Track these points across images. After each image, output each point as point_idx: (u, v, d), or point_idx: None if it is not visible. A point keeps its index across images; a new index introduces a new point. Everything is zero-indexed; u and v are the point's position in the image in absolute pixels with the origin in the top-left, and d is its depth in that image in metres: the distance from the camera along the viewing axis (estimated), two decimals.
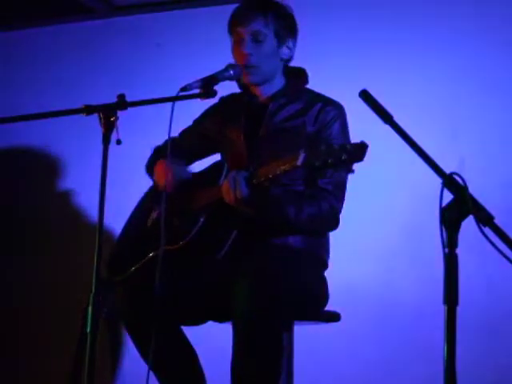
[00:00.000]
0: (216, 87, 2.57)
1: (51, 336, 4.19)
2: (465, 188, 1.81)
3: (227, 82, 2.69)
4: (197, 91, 2.53)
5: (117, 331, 4.07)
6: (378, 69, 3.78)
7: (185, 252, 2.62)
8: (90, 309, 2.12)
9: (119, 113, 2.25)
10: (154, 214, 2.83)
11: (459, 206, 1.80)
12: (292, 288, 2.51)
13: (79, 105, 2.30)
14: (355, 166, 2.27)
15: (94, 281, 2.14)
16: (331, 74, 3.69)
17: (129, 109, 2.28)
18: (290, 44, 2.79)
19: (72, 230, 4.30)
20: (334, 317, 2.79)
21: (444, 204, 1.82)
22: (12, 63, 4.58)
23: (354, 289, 3.63)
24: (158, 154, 2.96)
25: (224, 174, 2.64)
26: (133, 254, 2.76)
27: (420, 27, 3.81)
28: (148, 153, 3.03)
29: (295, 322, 2.68)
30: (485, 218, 1.81)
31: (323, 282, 2.74)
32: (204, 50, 4.00)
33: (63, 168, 4.42)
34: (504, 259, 1.80)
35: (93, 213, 4.17)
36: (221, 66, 2.66)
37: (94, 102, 2.28)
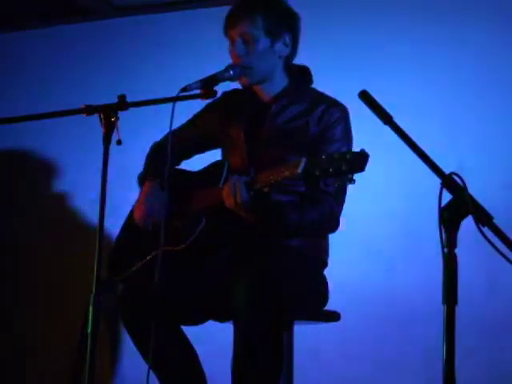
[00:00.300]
0: (216, 87, 2.57)
1: (51, 336, 4.19)
2: (464, 188, 1.81)
3: (227, 83, 2.69)
4: (197, 92, 2.53)
5: (117, 331, 4.08)
6: (378, 69, 3.78)
7: (186, 253, 2.62)
8: (90, 309, 2.13)
9: (120, 113, 2.25)
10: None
11: (458, 206, 1.81)
12: (292, 287, 2.51)
13: (80, 105, 2.30)
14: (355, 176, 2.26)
15: (94, 281, 2.14)
16: (331, 74, 3.68)
17: (129, 109, 2.28)
18: (287, 39, 2.73)
19: (72, 230, 4.31)
20: (334, 317, 2.80)
21: (443, 204, 1.82)
22: (12, 64, 4.58)
23: (354, 289, 3.63)
24: (156, 158, 2.93)
25: (224, 175, 2.63)
26: (133, 254, 2.76)
27: (420, 27, 3.81)
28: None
29: (295, 321, 2.69)
30: (484, 218, 1.81)
31: (323, 282, 2.74)
32: (204, 50, 3.99)
33: (63, 168, 4.42)
34: (503, 259, 1.81)
35: (93, 213, 4.17)
36: (221, 67, 2.66)
37: (94, 103, 2.29)
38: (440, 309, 1.80)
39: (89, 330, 2.11)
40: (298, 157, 2.35)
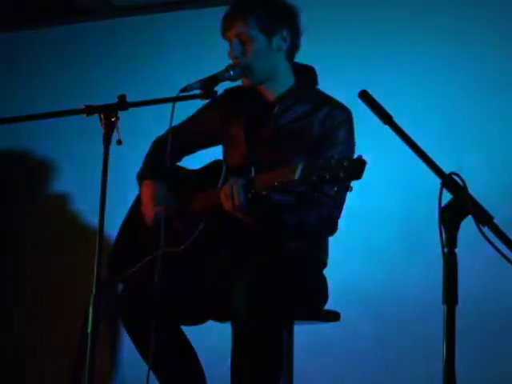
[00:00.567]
0: (216, 88, 2.57)
1: (51, 336, 4.19)
2: (464, 188, 1.81)
3: (227, 82, 2.69)
4: (197, 92, 2.53)
5: (117, 331, 4.08)
6: (378, 69, 3.78)
7: (186, 253, 2.62)
8: (90, 309, 2.13)
9: (120, 113, 2.25)
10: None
11: (458, 206, 1.81)
12: (291, 288, 2.51)
13: (79, 105, 2.30)
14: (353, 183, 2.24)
15: (94, 281, 2.14)
16: (331, 74, 3.68)
17: (129, 109, 2.28)
18: (285, 33, 2.71)
19: (72, 230, 4.31)
20: (334, 316, 2.80)
21: (443, 204, 1.82)
22: (13, 64, 4.59)
23: (354, 289, 3.63)
24: (155, 156, 2.93)
25: (222, 175, 2.62)
26: (133, 254, 2.76)
27: (419, 27, 3.81)
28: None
29: (295, 321, 2.68)
30: (484, 218, 1.81)
31: (323, 282, 2.74)
32: (204, 50, 3.99)
33: (63, 168, 4.42)
34: (503, 259, 1.81)
35: (93, 213, 4.16)
36: (221, 67, 2.66)
37: (94, 103, 2.29)
38: (440, 309, 1.80)
39: (89, 330, 2.11)
40: (299, 158, 2.34)
